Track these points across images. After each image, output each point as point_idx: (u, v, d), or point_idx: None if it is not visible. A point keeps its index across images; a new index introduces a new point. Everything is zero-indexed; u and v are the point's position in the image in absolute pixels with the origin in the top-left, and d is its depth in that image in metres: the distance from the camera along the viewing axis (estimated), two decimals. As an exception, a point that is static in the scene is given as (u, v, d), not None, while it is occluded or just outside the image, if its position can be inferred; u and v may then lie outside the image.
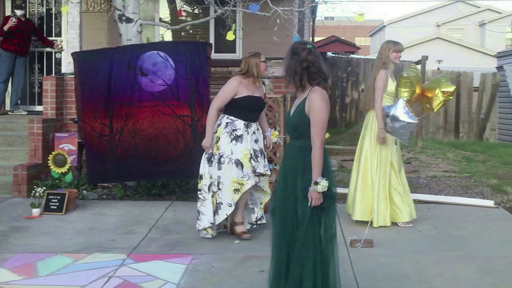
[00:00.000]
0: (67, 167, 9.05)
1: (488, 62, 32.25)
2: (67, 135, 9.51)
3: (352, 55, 21.63)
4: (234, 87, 7.11)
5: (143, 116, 8.70)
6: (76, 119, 9.22)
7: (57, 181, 9.04)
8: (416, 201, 9.18)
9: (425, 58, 16.38)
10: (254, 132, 7.15)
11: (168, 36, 13.77)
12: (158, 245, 7.03)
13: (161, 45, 9.50)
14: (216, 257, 6.51)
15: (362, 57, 22.21)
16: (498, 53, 23.49)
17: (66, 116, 10.36)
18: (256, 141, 7.15)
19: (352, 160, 13.03)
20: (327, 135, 8.66)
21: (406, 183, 7.94)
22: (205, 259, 6.46)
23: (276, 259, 4.67)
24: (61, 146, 9.26)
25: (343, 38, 27.50)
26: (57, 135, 9.48)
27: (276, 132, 7.80)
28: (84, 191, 9.32)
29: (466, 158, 14.08)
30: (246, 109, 7.11)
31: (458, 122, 19.81)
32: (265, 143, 7.38)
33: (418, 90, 7.68)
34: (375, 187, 7.64)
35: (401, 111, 7.15)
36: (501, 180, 11.18)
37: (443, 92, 7.46)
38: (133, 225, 7.87)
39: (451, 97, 7.60)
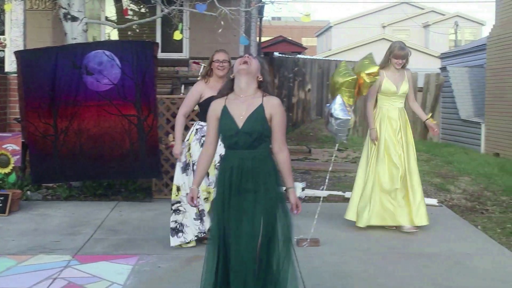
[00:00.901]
0: (10, 167, 8.91)
1: (432, 63, 32.79)
2: (10, 135, 9.35)
3: (298, 55, 21.81)
4: (197, 91, 6.78)
5: (88, 116, 8.58)
6: (19, 119, 9.08)
7: (0, 181, 8.89)
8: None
9: (370, 58, 16.55)
10: None
11: (114, 35, 13.68)
12: (104, 246, 6.98)
13: (107, 44, 9.40)
14: (162, 257, 6.48)
15: (308, 57, 22.41)
16: (441, 54, 23.95)
17: (9, 116, 10.19)
18: None
19: (298, 159, 13.19)
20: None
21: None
22: (151, 259, 6.43)
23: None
24: (4, 146, 9.09)
25: (290, 38, 27.67)
26: (0, 135, 9.31)
27: None
28: (28, 192, 9.19)
29: (410, 157, 14.28)
30: None
31: (403, 122, 20.11)
32: None
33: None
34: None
35: (337, 108, 7.17)
36: (444, 179, 11.40)
37: (368, 75, 7.34)
38: (78, 226, 7.79)
39: (377, 77, 7.52)
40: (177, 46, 12.97)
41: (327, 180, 7.90)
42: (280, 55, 20.58)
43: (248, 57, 4.43)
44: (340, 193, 9.73)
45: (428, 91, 19.82)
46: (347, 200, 9.37)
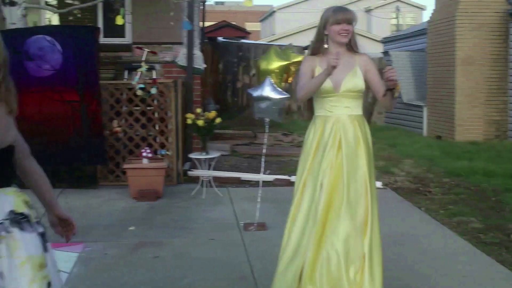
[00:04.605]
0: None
1: (375, 47, 33.12)
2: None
3: (242, 40, 21.78)
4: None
5: (30, 102, 8.43)
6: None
7: None
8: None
9: (314, 43, 16.68)
10: None
11: (55, 20, 13.43)
12: (50, 234, 6.83)
13: (47, 29, 9.24)
14: (109, 244, 6.42)
15: (252, 42, 22.40)
16: (383, 38, 24.25)
17: None
18: None
19: (244, 144, 13.19)
20: (219, 119, 8.59)
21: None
22: (97, 246, 6.36)
23: None
24: None
25: (233, 23, 27.59)
26: None
27: None
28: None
29: (354, 141, 14.44)
30: None
31: (346, 106, 20.36)
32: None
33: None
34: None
35: (268, 89, 7.20)
36: (388, 161, 11.55)
37: (293, 63, 7.48)
38: (22, 215, 7.65)
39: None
40: (119, 31, 12.80)
41: (262, 163, 7.82)
42: (224, 40, 20.50)
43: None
44: (286, 177, 9.76)
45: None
46: (292, 183, 9.44)
